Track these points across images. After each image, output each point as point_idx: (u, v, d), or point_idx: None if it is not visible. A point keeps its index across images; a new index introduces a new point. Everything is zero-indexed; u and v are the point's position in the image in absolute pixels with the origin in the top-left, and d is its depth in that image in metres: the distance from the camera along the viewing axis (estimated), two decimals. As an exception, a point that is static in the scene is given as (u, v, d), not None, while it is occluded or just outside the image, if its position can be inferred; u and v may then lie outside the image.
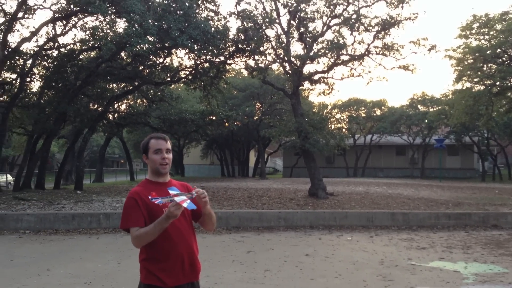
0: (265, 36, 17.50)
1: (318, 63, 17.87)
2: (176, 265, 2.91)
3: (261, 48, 17.76)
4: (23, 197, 15.30)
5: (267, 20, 16.96)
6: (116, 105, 26.59)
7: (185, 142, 41.19)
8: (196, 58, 19.51)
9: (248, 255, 8.81)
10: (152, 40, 16.07)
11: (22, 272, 7.35)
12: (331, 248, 9.59)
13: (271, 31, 17.82)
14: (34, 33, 18.33)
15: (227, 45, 18.11)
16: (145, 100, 27.15)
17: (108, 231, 11.46)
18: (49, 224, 11.60)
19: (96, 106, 23.46)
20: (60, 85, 20.73)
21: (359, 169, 44.83)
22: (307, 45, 17.52)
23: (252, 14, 17.03)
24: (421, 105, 41.94)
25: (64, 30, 19.82)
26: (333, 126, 37.72)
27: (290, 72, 17.83)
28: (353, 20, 17.18)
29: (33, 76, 21.29)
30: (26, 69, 19.55)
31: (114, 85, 24.35)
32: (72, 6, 17.22)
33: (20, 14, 18.01)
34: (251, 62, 18.62)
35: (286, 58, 17.47)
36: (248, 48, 17.74)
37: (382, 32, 17.40)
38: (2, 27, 17.82)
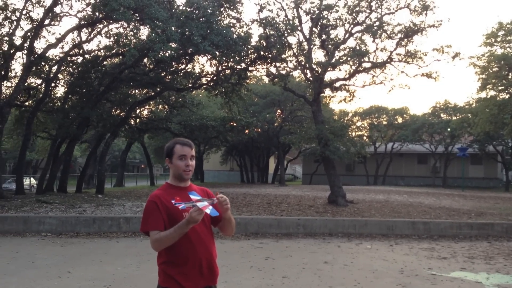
0: (286, 43, 17.54)
1: (340, 70, 17.86)
2: (194, 269, 2.92)
3: (283, 55, 17.81)
4: (46, 200, 15.55)
5: (289, 27, 17.00)
6: (138, 111, 26.93)
7: (205, 148, 41.41)
8: (217, 64, 19.68)
9: (266, 261, 8.80)
10: (174, 46, 16.27)
11: (43, 274, 7.46)
12: (350, 256, 9.52)
13: (293, 38, 17.84)
14: (60, 40, 18.71)
15: (249, 52, 18.22)
16: (166, 106, 27.42)
17: (128, 235, 11.56)
18: (70, 227, 11.76)
19: (118, 111, 23.78)
20: (84, 90, 21.11)
21: (379, 177, 44.43)
22: (329, 52, 17.49)
23: (274, 21, 17.10)
24: (444, 113, 41.43)
25: (89, 37, 20.21)
26: (353, 134, 37.58)
27: (311, 79, 17.81)
28: (375, 28, 17.11)
29: (58, 82, 21.73)
30: (51, 75, 19.95)
31: (137, 91, 24.68)
32: (97, 13, 17.54)
33: (47, 21, 18.41)
34: (273, 69, 18.72)
35: (307, 65, 17.47)
36: (270, 55, 17.81)
37: (405, 40, 17.28)
38: (29, 34, 18.21)
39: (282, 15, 17.60)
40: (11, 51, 18.17)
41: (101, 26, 19.68)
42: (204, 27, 16.29)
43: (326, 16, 17.37)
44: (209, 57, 18.61)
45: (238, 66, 19.16)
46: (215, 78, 21.03)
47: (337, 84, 18.14)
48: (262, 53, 18.03)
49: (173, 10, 17.37)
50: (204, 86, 22.11)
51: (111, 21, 18.13)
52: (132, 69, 19.73)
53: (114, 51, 19.37)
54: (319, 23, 17.37)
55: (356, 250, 10.27)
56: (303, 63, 17.75)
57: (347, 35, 17.67)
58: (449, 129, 38.71)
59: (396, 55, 17.48)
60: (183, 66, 20.95)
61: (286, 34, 17.21)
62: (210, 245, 3.04)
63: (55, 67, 19.99)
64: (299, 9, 17.44)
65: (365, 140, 41.67)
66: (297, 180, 60.28)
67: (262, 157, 45.03)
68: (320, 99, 18.48)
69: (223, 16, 17.97)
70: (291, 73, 19.76)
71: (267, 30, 17.29)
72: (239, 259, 8.93)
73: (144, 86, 21.83)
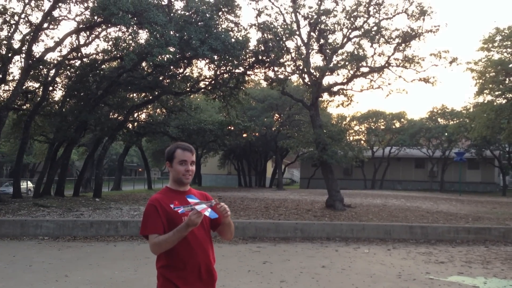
0: (285, 48, 17.59)
1: (338, 74, 17.90)
2: (193, 273, 2.93)
3: (281, 60, 17.85)
4: (43, 203, 15.52)
5: (287, 31, 17.05)
6: (136, 115, 26.91)
7: (203, 152, 41.41)
8: (216, 68, 19.69)
9: (264, 265, 8.80)
10: (173, 50, 16.29)
11: (41, 278, 7.45)
12: (348, 260, 9.52)
13: (291, 43, 17.96)
14: (58, 43, 18.71)
15: (247, 56, 18.25)
16: (164, 110, 27.41)
17: (125, 239, 11.55)
18: (67, 230, 11.74)
19: (116, 115, 23.77)
20: (82, 94, 21.10)
21: (377, 181, 44.47)
22: (327, 57, 17.55)
23: (272, 26, 17.14)
24: (441, 118, 41.53)
25: (87, 41, 20.22)
26: (351, 138, 37.66)
27: (309, 83, 17.85)
28: (373, 32, 17.18)
29: (56, 85, 21.72)
30: (49, 78, 19.95)
31: (135, 94, 24.67)
32: (96, 17, 17.55)
33: (45, 25, 18.40)
34: (271, 73, 18.76)
35: (305, 70, 17.52)
36: (268, 59, 17.84)
37: (403, 45, 17.37)
38: (27, 38, 18.22)
39: (280, 19, 17.69)
40: (9, 55, 18.16)
41: (99, 30, 19.70)
42: (202, 32, 16.32)
43: (324, 21, 17.43)
44: (207, 61, 18.64)
45: (236, 70, 19.19)
46: (213, 82, 21.05)
47: (335, 89, 18.20)
48: (260, 57, 18.07)
49: (172, 15, 17.40)
50: (202, 90, 22.12)
51: (109, 25, 18.14)
52: (130, 72, 19.74)
53: (112, 55, 19.39)
54: (317, 28, 17.43)
55: (353, 254, 10.28)
56: (301, 67, 17.79)
57: (345, 39, 17.74)
58: (446, 134, 38.80)
59: (394, 60, 17.57)
60: (181, 70, 20.95)
61: (284, 39, 17.26)
62: (209, 250, 3.05)
63: (53, 71, 19.98)
64: (297, 13, 17.51)
65: (362, 144, 41.75)
66: (295, 184, 60.28)
67: (260, 161, 45.04)
68: (318, 103, 18.52)
69: (221, 20, 18.01)
70: (289, 78, 19.82)
71: (265, 35, 17.34)
72: (237, 263, 8.92)
73: (142, 90, 21.82)
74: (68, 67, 20.94)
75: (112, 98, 22.30)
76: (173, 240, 2.82)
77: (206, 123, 26.51)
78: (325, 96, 18.92)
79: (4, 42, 18.12)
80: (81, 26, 18.86)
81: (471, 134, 28.12)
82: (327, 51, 17.64)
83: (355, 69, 17.60)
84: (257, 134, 34.28)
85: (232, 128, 27.56)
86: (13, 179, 21.95)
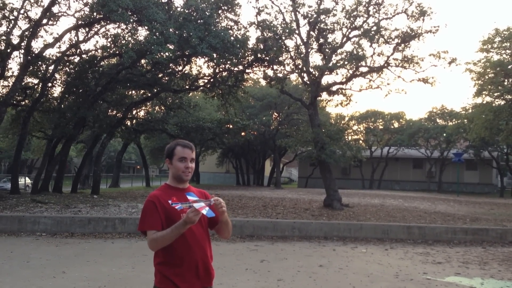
0: (284, 46, 17.58)
1: (337, 74, 17.89)
2: (191, 270, 2.93)
3: (280, 58, 17.84)
4: (41, 200, 15.50)
5: (287, 30, 17.04)
6: (134, 112, 26.89)
7: (201, 150, 41.42)
8: (215, 66, 19.67)
9: (261, 264, 8.80)
10: (172, 48, 16.27)
11: (38, 274, 7.44)
12: (345, 259, 9.53)
13: (291, 42, 17.97)
14: (57, 40, 18.68)
15: (246, 54, 18.25)
16: (163, 107, 27.40)
17: (123, 236, 11.54)
18: (65, 227, 11.73)
19: (115, 112, 23.75)
20: (80, 90, 21.07)
21: (375, 181, 44.52)
22: (326, 56, 17.54)
23: (272, 25, 17.14)
24: (440, 119, 41.60)
25: (86, 37, 20.20)
26: (350, 138, 37.68)
27: (308, 82, 17.85)
28: (373, 32, 17.17)
29: (55, 81, 21.70)
30: (48, 75, 19.91)
31: (133, 91, 24.64)
32: (95, 14, 17.53)
33: (45, 21, 18.38)
34: (270, 72, 18.76)
35: (304, 69, 17.51)
36: (267, 58, 17.84)
37: (402, 45, 17.36)
38: (26, 33, 18.18)
39: (280, 18, 17.67)
40: (8, 50, 18.12)
41: (98, 26, 19.66)
42: (202, 29, 16.31)
43: (323, 20, 17.42)
44: (206, 59, 18.62)
45: (235, 69, 19.19)
46: (212, 80, 21.03)
47: (334, 88, 18.20)
48: (259, 55, 18.07)
49: (171, 12, 17.38)
50: (201, 88, 22.12)
51: (108, 22, 18.12)
52: (129, 70, 19.72)
53: (111, 52, 19.36)
54: (317, 27, 17.42)
55: (351, 254, 10.29)
56: (300, 66, 17.78)
57: (344, 39, 17.73)
58: (444, 134, 38.86)
59: (393, 60, 17.57)
60: (180, 68, 20.94)
61: (283, 37, 17.25)
62: (206, 247, 3.05)
63: (52, 67, 19.95)
64: (297, 12, 17.49)
65: (361, 144, 41.68)
66: (293, 183, 60.30)
67: (258, 160, 45.05)
68: (316, 102, 18.52)
69: (221, 18, 17.99)
70: (288, 76, 19.81)
71: (264, 33, 17.33)
72: (235, 262, 8.93)
73: (141, 87, 21.81)
74: (67, 64, 20.91)
75: (111, 95, 22.29)
76: (170, 237, 2.82)
77: (205, 121, 26.52)
78: (324, 95, 18.93)
79: (3, 37, 18.07)
80: (80, 22, 18.84)
81: (470, 135, 28.15)
82: (327, 50, 17.64)
83: (354, 69, 17.60)
84: (255, 132, 34.33)
85: (231, 126, 27.58)
86: (11, 175, 21.94)
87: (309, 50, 17.72)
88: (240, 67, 19.25)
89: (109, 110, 23.48)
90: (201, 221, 2.95)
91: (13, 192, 18.67)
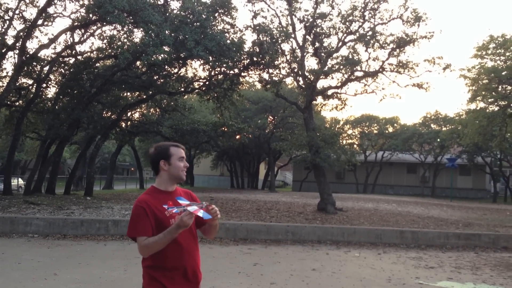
0: (280, 50, 17.61)
1: (332, 78, 17.94)
2: (180, 273, 2.93)
3: (276, 62, 17.87)
4: (33, 201, 15.43)
5: (283, 34, 17.06)
6: (129, 114, 26.83)
7: (196, 152, 41.35)
8: (210, 69, 19.66)
9: (254, 267, 8.79)
10: (168, 50, 16.25)
11: (29, 276, 7.40)
12: (338, 263, 9.54)
13: (286, 45, 17.92)
14: (52, 40, 18.62)
15: (242, 57, 18.24)
16: (158, 110, 27.35)
17: (116, 238, 11.49)
18: (57, 229, 11.67)
19: (109, 113, 23.69)
20: (75, 92, 21.00)
21: (369, 186, 44.61)
22: (322, 60, 17.57)
23: (268, 28, 17.15)
24: (434, 124, 41.75)
25: (82, 38, 20.14)
26: (344, 142, 37.74)
27: (303, 86, 17.88)
28: (368, 37, 17.23)
29: (49, 82, 21.60)
30: (43, 75, 19.84)
31: (128, 93, 24.60)
32: (91, 15, 17.49)
33: (40, 22, 18.33)
34: (265, 75, 18.77)
35: (300, 73, 17.54)
36: (263, 61, 17.85)
37: (397, 50, 17.42)
38: (21, 34, 18.12)
39: (276, 22, 17.70)
40: (3, 51, 18.05)
41: (94, 27, 19.63)
42: (198, 32, 16.30)
43: (319, 24, 17.47)
44: (202, 62, 18.61)
45: (231, 72, 19.18)
46: (207, 83, 21.02)
47: (329, 92, 18.22)
48: (255, 59, 18.07)
49: (167, 14, 17.38)
50: (196, 90, 22.09)
51: (104, 23, 18.09)
52: (124, 71, 19.68)
53: (107, 53, 19.32)
54: (313, 31, 17.46)
55: (344, 258, 10.30)
56: (295, 70, 17.81)
57: (340, 43, 17.78)
58: (438, 140, 39.00)
59: (388, 65, 17.62)
60: (175, 70, 20.92)
61: (279, 41, 17.27)
62: (195, 251, 3.05)
63: (46, 68, 19.89)
64: (293, 16, 17.53)
65: (355, 148, 41.83)
66: (287, 186, 60.31)
67: (253, 163, 45.04)
68: (312, 106, 18.55)
69: (217, 21, 17.99)
70: (283, 80, 19.83)
71: (260, 37, 17.34)
72: (228, 265, 8.91)
73: (136, 89, 21.77)
74: (62, 65, 20.84)
75: (106, 97, 22.22)
76: (164, 242, 2.80)
77: (200, 123, 26.48)
78: (319, 99, 18.95)
79: (-2, 37, 18.02)
80: (76, 23, 18.79)
81: (463, 140, 28.25)
82: (322, 54, 17.67)
83: (349, 73, 17.64)
84: (250, 135, 34.30)
85: (226, 129, 27.55)
86: (4, 175, 21.82)
87: (304, 54, 17.76)
88: (236, 70, 19.25)
89: (104, 112, 23.42)
90: (190, 225, 2.94)
91: (6, 193, 18.57)
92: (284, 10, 17.68)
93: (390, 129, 44.80)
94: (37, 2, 18.53)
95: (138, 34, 18.05)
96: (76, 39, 20.18)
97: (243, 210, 16.35)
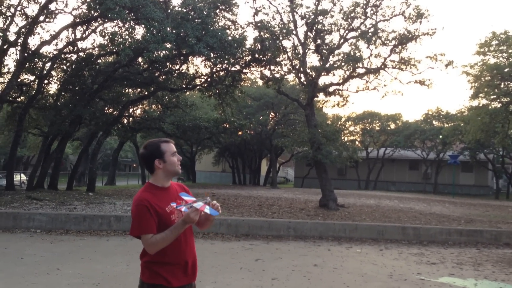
0: (281, 47, 17.59)
1: (334, 75, 17.92)
2: (180, 268, 2.99)
3: (277, 59, 17.85)
4: (36, 196, 15.48)
5: (284, 31, 17.04)
6: (131, 110, 26.85)
7: (198, 149, 41.37)
8: (212, 66, 19.66)
9: (256, 263, 8.82)
10: (169, 47, 16.25)
11: (32, 271, 7.43)
12: (340, 259, 9.56)
13: (288, 42, 17.95)
14: (54, 37, 18.64)
15: (244, 54, 18.24)
16: (159, 106, 27.36)
17: (118, 234, 11.53)
18: (60, 224, 11.71)
19: (111, 110, 23.71)
20: (77, 88, 21.03)
21: (371, 182, 44.60)
22: (323, 57, 17.56)
23: (269, 25, 17.13)
24: (436, 121, 41.72)
25: (83, 35, 20.14)
26: (346, 138, 37.74)
27: (305, 83, 17.87)
28: (370, 34, 17.20)
29: (51, 79, 21.63)
30: (45, 72, 19.86)
31: (130, 90, 24.61)
32: (92, 12, 17.48)
33: (41, 18, 18.33)
34: (267, 72, 18.74)
35: (301, 69, 17.53)
36: (264, 58, 17.84)
37: (399, 47, 17.39)
38: (23, 30, 18.13)
39: (278, 18, 17.67)
40: (5, 47, 18.07)
41: (96, 24, 19.62)
42: (199, 29, 16.29)
43: (321, 21, 17.44)
44: (203, 58, 18.60)
45: (233, 68, 19.17)
46: (209, 79, 21.02)
47: (331, 89, 18.22)
48: (256, 55, 18.06)
49: (169, 11, 17.36)
50: (198, 87, 22.09)
51: (106, 20, 18.07)
52: (126, 68, 19.68)
53: (108, 50, 19.32)
54: (314, 28, 17.44)
55: (346, 253, 10.32)
56: (297, 67, 17.80)
57: (341, 40, 17.76)
58: (441, 136, 38.96)
59: (390, 61, 17.60)
60: (177, 67, 20.91)
61: (281, 38, 17.25)
62: (193, 245, 3.13)
63: (48, 64, 19.90)
64: (295, 13, 17.50)
65: (357, 145, 41.82)
66: (289, 183, 60.34)
67: (255, 159, 45.04)
68: (313, 103, 18.54)
69: (218, 18, 17.98)
70: (285, 77, 19.82)
71: (262, 33, 17.32)
72: (229, 260, 8.94)
73: (137, 85, 21.77)
74: (64, 61, 20.86)
75: (108, 93, 22.25)
76: (170, 238, 2.85)
77: (202, 120, 26.49)
78: (321, 96, 18.95)
79: (0, 34, 18.03)
80: (78, 20, 18.79)
81: (466, 137, 28.23)
82: (324, 51, 17.65)
83: (351, 70, 17.62)
84: (252, 132, 34.31)
85: (227, 125, 27.56)
86: (6, 171, 21.87)
87: (306, 50, 17.75)
88: (237, 67, 19.24)
89: (106, 108, 23.44)
90: None
91: (8, 189, 18.63)
92: (285, 6, 17.66)
93: (392, 126, 44.78)
94: (39, -2, 18.53)
95: (139, 31, 18.04)
96: (78, 35, 20.21)
97: (245, 206, 16.38)
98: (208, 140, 31.77)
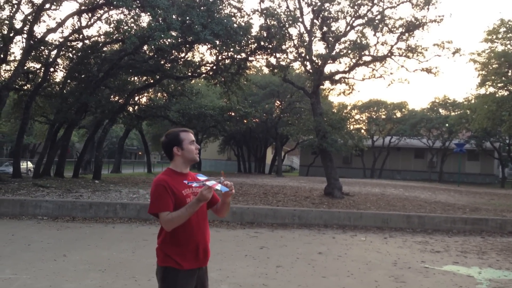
0: (287, 35, 17.49)
1: (340, 63, 17.85)
2: (191, 251, 3.11)
3: (283, 46, 17.76)
4: (43, 184, 15.59)
5: (290, 18, 16.95)
6: (136, 98, 26.88)
7: (203, 137, 41.44)
8: (217, 54, 19.59)
9: (261, 250, 8.87)
10: (175, 34, 16.19)
11: (39, 257, 7.51)
12: (345, 247, 9.59)
13: (294, 30, 17.83)
14: (60, 24, 18.63)
15: (249, 42, 18.15)
16: (165, 94, 27.37)
17: (124, 221, 11.62)
18: (66, 211, 11.81)
19: (117, 98, 23.74)
20: (83, 76, 21.05)
21: (376, 171, 44.57)
22: (329, 45, 17.46)
23: (275, 12, 17.03)
24: (442, 109, 41.53)
25: (89, 23, 20.12)
26: (352, 127, 37.68)
27: (311, 71, 17.80)
28: (377, 21, 17.07)
29: (57, 67, 21.67)
30: (51, 59, 19.88)
31: (136, 78, 24.61)
32: (98, -1, 17.44)
33: (47, 6, 18.30)
34: (273, 60, 18.67)
35: (307, 57, 17.45)
36: (270, 46, 17.75)
37: (406, 34, 17.26)
38: (29, 18, 18.13)
39: (284, 6, 17.57)
40: (11, 35, 18.09)
41: (101, 12, 19.58)
42: (205, 16, 16.21)
43: (327, 8, 17.32)
44: (209, 46, 18.53)
45: (238, 56, 19.10)
46: (214, 67, 20.97)
47: (337, 77, 18.15)
48: (262, 43, 17.97)
49: (174, -2, 17.27)
50: (204, 75, 22.05)
51: (111, 7, 18.03)
52: (131, 56, 19.65)
53: (114, 38, 19.28)
54: (321, 15, 17.32)
55: (350, 241, 10.35)
56: (303, 54, 17.72)
57: (348, 28, 17.64)
58: (447, 125, 38.81)
59: (397, 49, 17.49)
60: (183, 55, 20.87)
61: (287, 25, 17.15)
62: (206, 230, 3.23)
63: (54, 52, 19.91)
64: (301, 0, 17.39)
65: (363, 133, 41.73)
66: (294, 171, 60.39)
67: (260, 148, 45.07)
68: (319, 91, 18.49)
69: (224, 5, 17.87)
70: (291, 65, 19.74)
71: (268, 21, 17.23)
72: (234, 248, 9.00)
73: (143, 73, 21.76)
74: (70, 49, 20.87)
75: (113, 81, 22.26)
76: (185, 216, 2.98)
77: (207, 108, 26.50)
78: (327, 84, 18.89)
79: (6, 22, 18.04)
80: (83, 7, 18.76)
81: (472, 125, 28.10)
82: (330, 39, 17.55)
83: (357, 58, 17.53)
84: (257, 120, 34.28)
85: (233, 113, 27.56)
86: (13, 159, 22.02)
87: (312, 38, 17.65)
88: (243, 55, 19.16)
89: (111, 96, 23.47)
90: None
91: (15, 176, 18.76)
92: (292, -7, 17.54)
93: (398, 114, 44.64)
94: (44, -14, 18.47)
95: (145, 19, 17.98)
96: (84, 23, 20.19)
97: (250, 194, 16.43)
98: (214, 128, 31.80)
